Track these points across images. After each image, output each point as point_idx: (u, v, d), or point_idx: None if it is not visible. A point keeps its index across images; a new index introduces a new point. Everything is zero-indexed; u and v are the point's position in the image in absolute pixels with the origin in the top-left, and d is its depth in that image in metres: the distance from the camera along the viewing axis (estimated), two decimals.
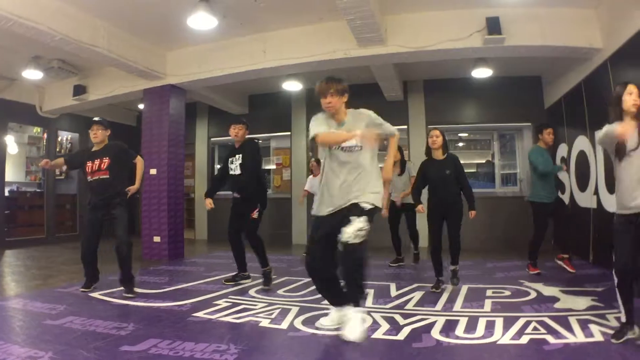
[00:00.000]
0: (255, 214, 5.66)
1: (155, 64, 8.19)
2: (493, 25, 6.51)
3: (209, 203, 5.74)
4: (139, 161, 5.64)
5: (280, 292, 5.40)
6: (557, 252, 6.53)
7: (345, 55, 7.15)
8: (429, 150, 5.58)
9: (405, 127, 10.26)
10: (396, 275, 6.35)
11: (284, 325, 4.07)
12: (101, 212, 5.26)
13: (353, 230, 3.48)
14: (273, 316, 4.35)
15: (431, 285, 5.47)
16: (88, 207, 5.38)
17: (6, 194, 10.11)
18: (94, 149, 5.46)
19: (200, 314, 4.42)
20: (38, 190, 10.94)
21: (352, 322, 3.60)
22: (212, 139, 12.33)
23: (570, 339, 3.50)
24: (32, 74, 8.53)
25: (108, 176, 5.28)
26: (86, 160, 5.39)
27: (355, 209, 3.63)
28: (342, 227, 3.53)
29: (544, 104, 9.60)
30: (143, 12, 6.77)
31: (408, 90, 10.38)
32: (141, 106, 9.69)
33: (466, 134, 11.23)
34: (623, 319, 3.42)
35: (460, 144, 11.18)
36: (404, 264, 7.25)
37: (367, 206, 3.66)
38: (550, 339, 3.51)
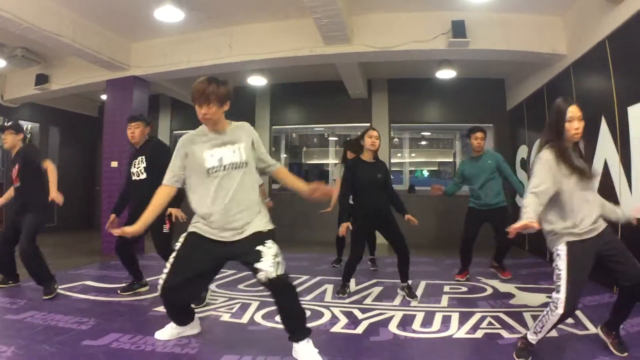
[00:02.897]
0: (167, 228, 4.76)
1: (120, 55, 8.08)
2: (458, 29, 6.65)
3: (114, 225, 4.81)
4: (49, 167, 4.92)
5: (240, 286, 5.43)
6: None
7: (311, 53, 7.21)
8: (360, 150, 5.12)
9: (368, 124, 10.38)
10: (356, 271, 6.37)
11: (244, 319, 4.12)
12: (17, 219, 4.97)
13: (270, 261, 3.02)
14: (234, 310, 4.40)
15: (338, 288, 5.20)
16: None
17: None
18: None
19: (161, 308, 4.36)
20: None
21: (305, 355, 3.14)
22: (174, 132, 12.18)
23: (524, 334, 3.65)
24: None
25: (19, 184, 4.99)
26: (11, 165, 5.14)
27: (256, 238, 3.13)
28: (250, 263, 3.06)
29: (506, 106, 9.86)
30: (110, 2, 6.68)
31: (372, 88, 10.50)
32: (104, 97, 9.55)
33: (429, 133, 11.43)
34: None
35: (423, 143, 11.38)
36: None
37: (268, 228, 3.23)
38: (504, 333, 3.66)
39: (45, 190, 4.84)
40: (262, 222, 3.21)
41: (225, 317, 4.18)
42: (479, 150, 5.85)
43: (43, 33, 6.52)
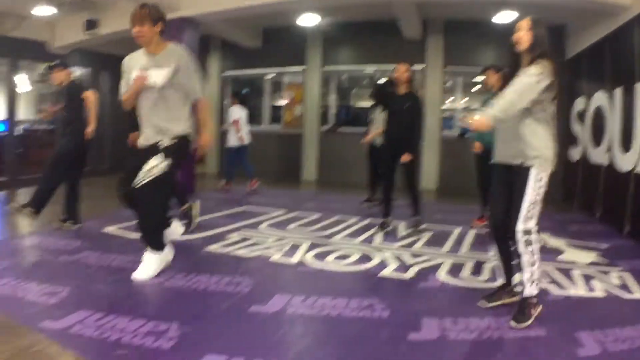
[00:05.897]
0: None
1: None
2: None
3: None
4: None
5: (291, 227, 5.45)
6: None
7: None
8: (394, 84, 5.43)
9: (423, 66, 10.07)
10: (404, 215, 5.96)
11: (295, 259, 4.15)
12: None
13: (143, 171, 3.38)
14: (284, 250, 4.43)
15: (380, 224, 5.52)
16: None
17: (18, 132, 10.03)
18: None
19: (212, 247, 4.50)
20: (49, 127, 10.85)
21: (142, 263, 3.58)
22: (223, 74, 12.13)
23: (572, 291, 3.52)
24: (44, 10, 8.32)
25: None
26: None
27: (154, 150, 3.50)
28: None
29: (565, 54, 9.26)
30: None
31: (428, 29, 10.08)
32: None
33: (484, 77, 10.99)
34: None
35: (477, 88, 10.99)
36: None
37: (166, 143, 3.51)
38: (552, 288, 3.55)
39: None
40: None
41: (276, 257, 4.21)
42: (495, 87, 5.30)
43: None
